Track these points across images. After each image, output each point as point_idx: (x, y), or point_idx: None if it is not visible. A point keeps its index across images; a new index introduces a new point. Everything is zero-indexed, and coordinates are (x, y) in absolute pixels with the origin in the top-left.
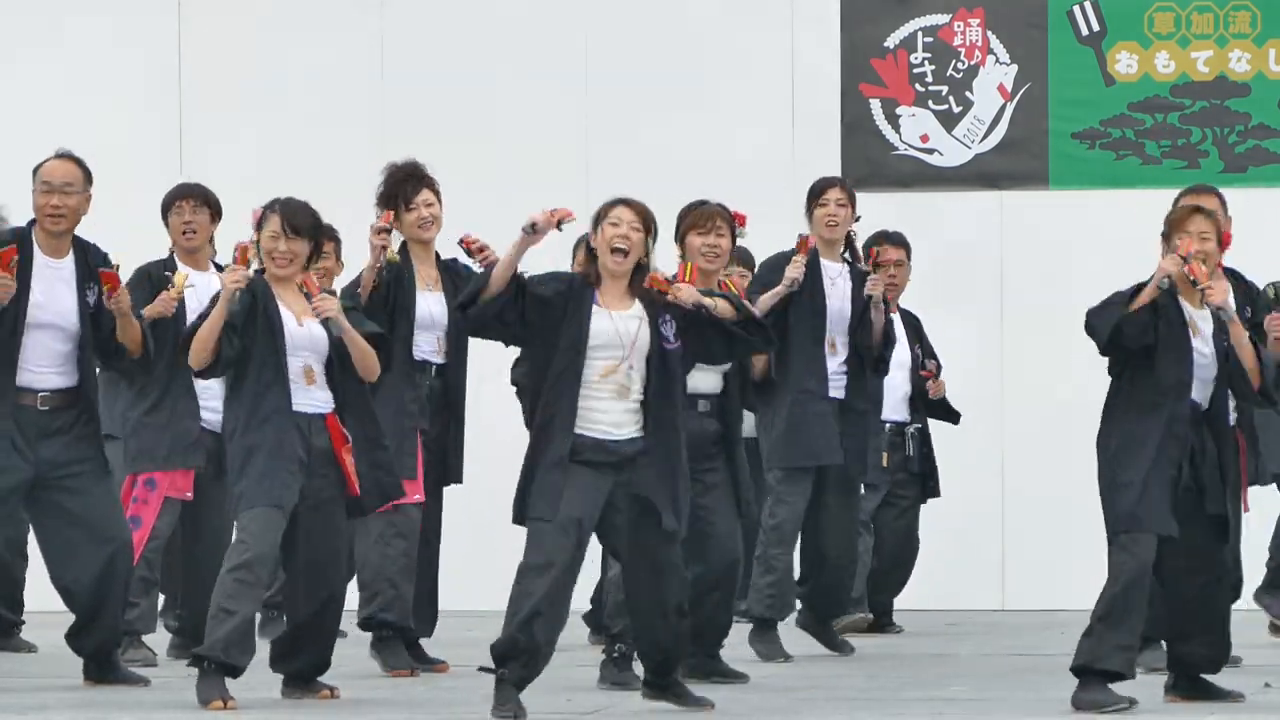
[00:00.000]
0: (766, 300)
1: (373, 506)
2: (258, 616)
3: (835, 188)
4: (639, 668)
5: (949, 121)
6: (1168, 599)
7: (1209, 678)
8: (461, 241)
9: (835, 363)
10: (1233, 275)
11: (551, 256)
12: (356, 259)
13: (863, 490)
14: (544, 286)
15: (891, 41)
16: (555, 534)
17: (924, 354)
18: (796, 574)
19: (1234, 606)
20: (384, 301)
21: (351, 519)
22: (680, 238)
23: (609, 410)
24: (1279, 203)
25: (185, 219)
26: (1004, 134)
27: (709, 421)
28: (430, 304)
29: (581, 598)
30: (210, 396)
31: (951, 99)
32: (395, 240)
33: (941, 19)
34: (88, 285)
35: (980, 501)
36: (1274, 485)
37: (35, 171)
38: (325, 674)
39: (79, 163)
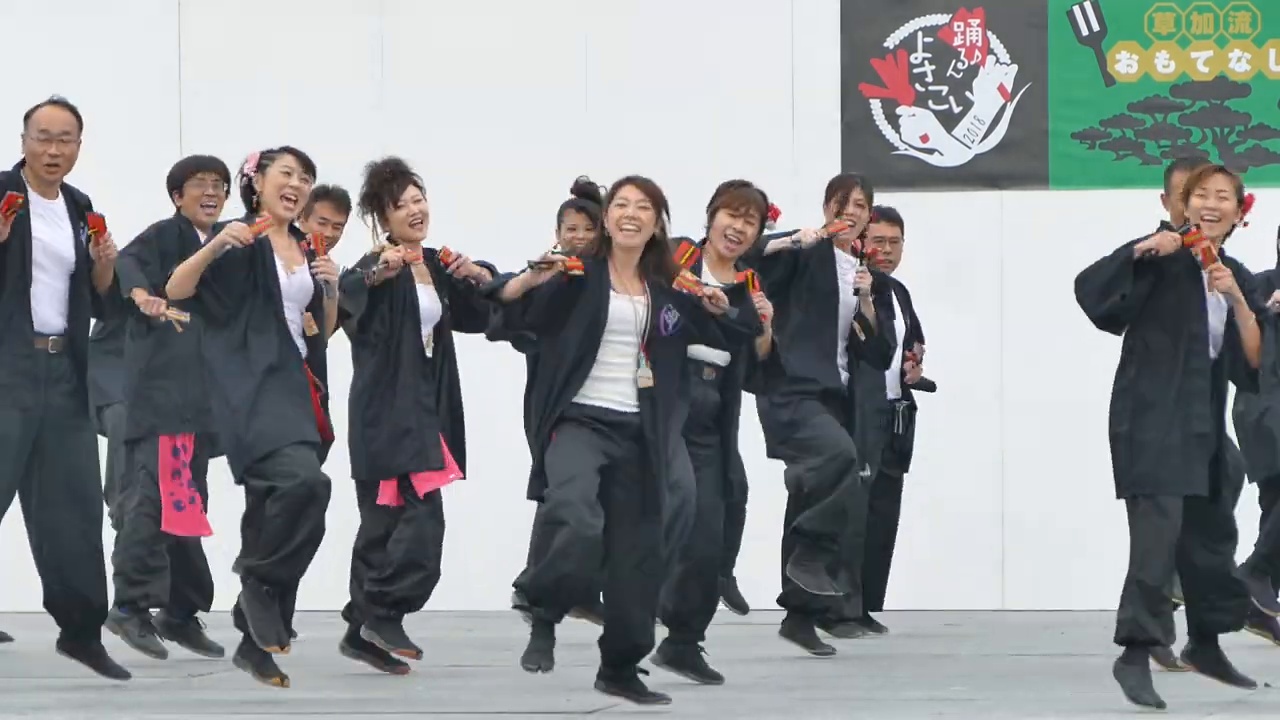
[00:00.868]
0: (775, 245)
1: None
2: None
3: (857, 188)
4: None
5: (949, 121)
6: (1178, 565)
7: (1228, 656)
8: (439, 253)
9: (840, 350)
10: (1232, 264)
11: (514, 228)
12: (352, 254)
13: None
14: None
15: (891, 41)
16: (573, 456)
17: (910, 329)
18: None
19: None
20: (383, 298)
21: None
22: (711, 211)
23: (616, 385)
24: (1279, 203)
25: (208, 192)
26: (1004, 134)
27: (711, 392)
28: (424, 298)
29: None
30: None
31: (951, 99)
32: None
33: (941, 19)
34: (78, 225)
35: (980, 501)
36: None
37: (28, 117)
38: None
39: (73, 110)
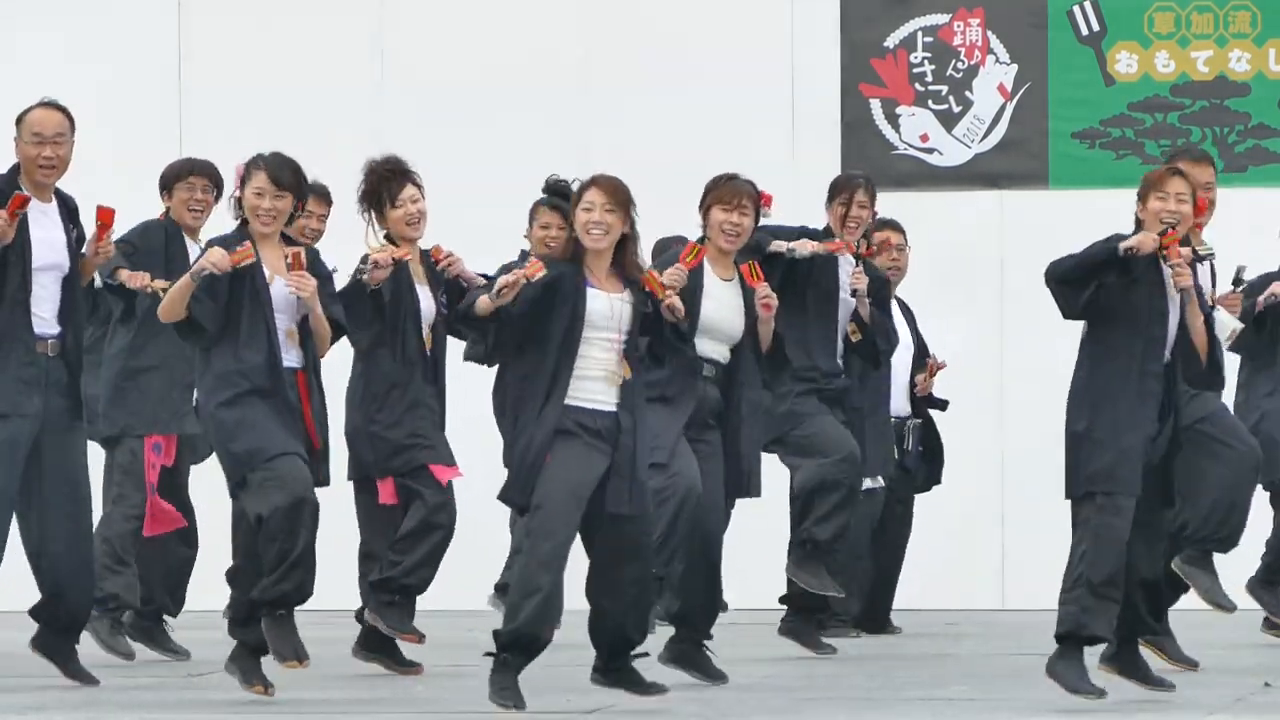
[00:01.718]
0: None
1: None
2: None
3: (861, 190)
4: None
5: (949, 121)
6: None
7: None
8: (430, 252)
9: (839, 351)
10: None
11: (513, 228)
12: (352, 253)
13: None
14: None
15: (891, 41)
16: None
17: (917, 348)
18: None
19: (1233, 607)
20: (383, 295)
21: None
22: (704, 209)
23: (598, 383)
24: (1279, 203)
25: (196, 196)
26: (1004, 134)
27: (710, 388)
28: (421, 298)
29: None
30: None
31: (951, 99)
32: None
33: (941, 19)
34: (69, 227)
35: (980, 501)
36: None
37: (19, 120)
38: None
39: (65, 111)
